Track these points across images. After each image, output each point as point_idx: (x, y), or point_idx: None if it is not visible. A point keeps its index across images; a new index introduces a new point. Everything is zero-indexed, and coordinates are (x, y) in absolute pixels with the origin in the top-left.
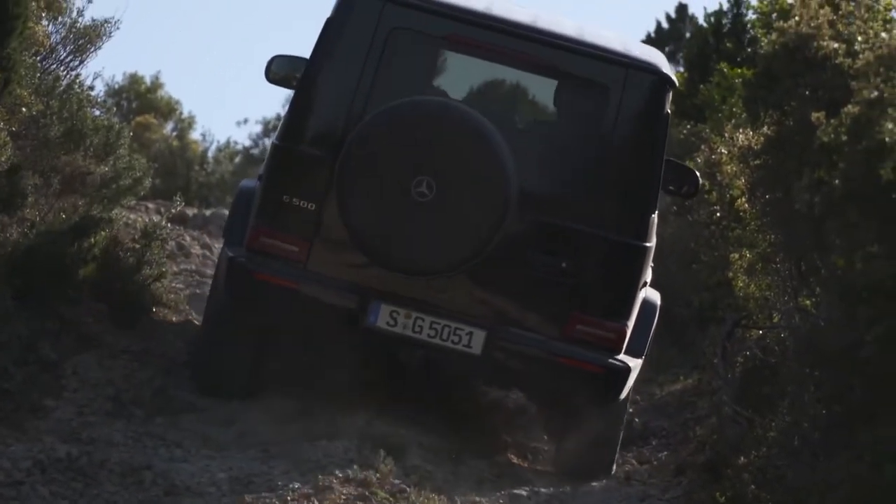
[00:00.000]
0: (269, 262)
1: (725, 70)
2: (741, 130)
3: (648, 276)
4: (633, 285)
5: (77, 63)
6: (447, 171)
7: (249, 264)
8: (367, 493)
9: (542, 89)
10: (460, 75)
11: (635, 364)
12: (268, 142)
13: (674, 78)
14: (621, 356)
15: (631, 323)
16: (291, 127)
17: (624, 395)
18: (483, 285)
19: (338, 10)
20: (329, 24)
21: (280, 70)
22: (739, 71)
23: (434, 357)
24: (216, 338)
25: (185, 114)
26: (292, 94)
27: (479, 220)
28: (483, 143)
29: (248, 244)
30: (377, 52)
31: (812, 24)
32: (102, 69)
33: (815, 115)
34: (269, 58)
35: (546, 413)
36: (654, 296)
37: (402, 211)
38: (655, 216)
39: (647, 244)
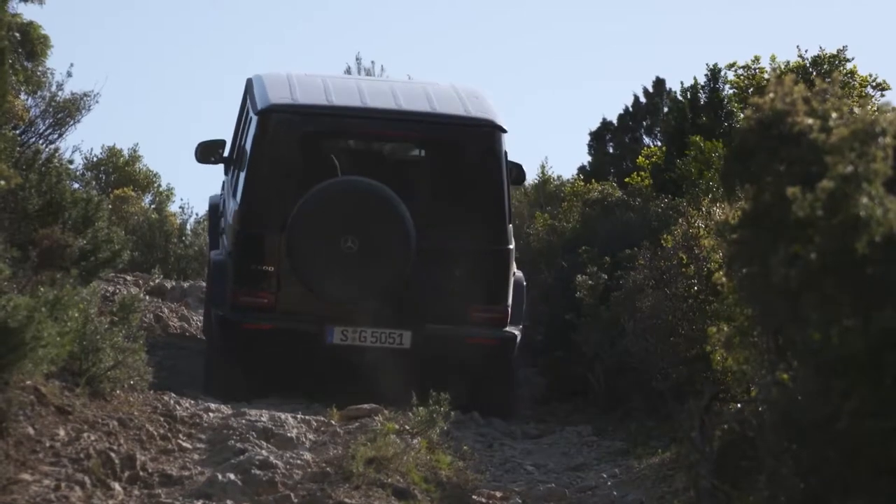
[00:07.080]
0: (249, 314)
1: (701, 143)
2: (718, 205)
3: (514, 268)
4: (506, 277)
5: (56, 136)
6: (366, 230)
7: (236, 318)
8: None
9: (418, 152)
10: (358, 155)
11: (519, 330)
12: None
13: (504, 125)
14: (508, 328)
15: (510, 303)
16: (247, 216)
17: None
18: (404, 299)
19: (261, 126)
20: (256, 137)
21: (204, 152)
22: (716, 144)
23: (378, 356)
24: (216, 368)
25: (164, 186)
26: (241, 191)
27: (392, 264)
28: (390, 208)
29: (232, 303)
30: (296, 149)
31: (787, 100)
32: (81, 142)
33: (790, 190)
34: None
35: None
36: (520, 276)
37: (334, 260)
38: (511, 226)
39: (510, 247)
